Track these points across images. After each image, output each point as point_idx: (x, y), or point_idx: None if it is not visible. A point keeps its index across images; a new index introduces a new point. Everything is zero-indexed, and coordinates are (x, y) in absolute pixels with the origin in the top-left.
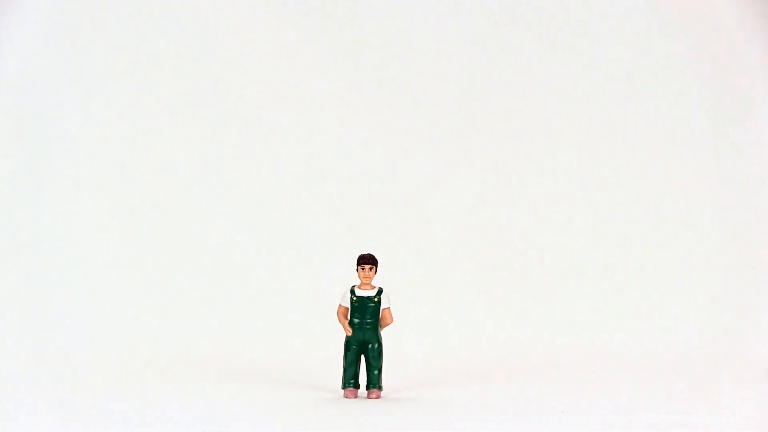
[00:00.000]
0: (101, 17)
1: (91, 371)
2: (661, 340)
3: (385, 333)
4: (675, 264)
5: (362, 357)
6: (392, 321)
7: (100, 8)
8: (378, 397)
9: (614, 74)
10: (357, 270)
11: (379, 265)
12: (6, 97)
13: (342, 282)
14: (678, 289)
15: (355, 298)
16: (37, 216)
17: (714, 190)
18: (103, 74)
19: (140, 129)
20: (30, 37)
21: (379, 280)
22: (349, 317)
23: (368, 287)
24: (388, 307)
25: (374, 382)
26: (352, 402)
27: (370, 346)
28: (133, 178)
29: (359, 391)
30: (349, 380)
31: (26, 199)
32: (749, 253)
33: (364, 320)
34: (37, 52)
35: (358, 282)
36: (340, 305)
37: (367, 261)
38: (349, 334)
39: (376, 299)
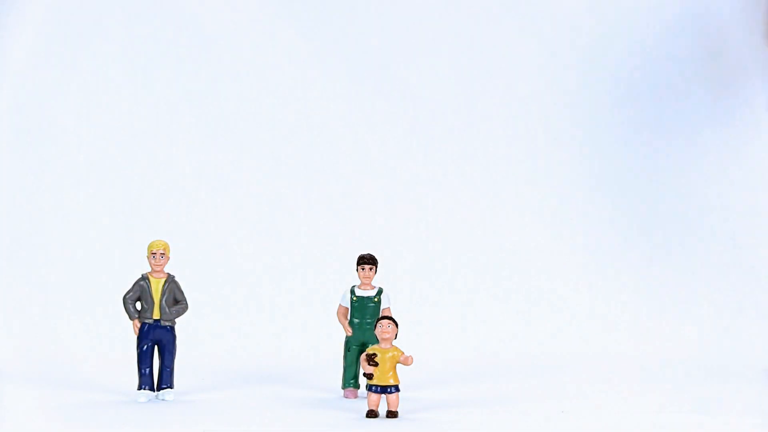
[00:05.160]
0: (101, 16)
1: (90, 370)
2: (660, 340)
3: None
4: (675, 263)
5: None
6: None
7: (100, 7)
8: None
9: (614, 74)
10: (357, 270)
11: (378, 265)
12: (6, 97)
13: (342, 282)
14: (678, 288)
15: (355, 298)
16: (38, 216)
17: (714, 190)
18: (103, 74)
19: (139, 128)
20: (30, 36)
21: (379, 279)
22: (349, 317)
23: (368, 287)
24: (388, 307)
25: None
26: (352, 402)
27: (370, 346)
28: (131, 176)
29: (359, 391)
30: (349, 380)
31: (26, 199)
32: (749, 253)
33: (364, 320)
34: (38, 52)
35: (358, 282)
36: (340, 305)
37: (367, 261)
38: (349, 334)
39: (376, 299)
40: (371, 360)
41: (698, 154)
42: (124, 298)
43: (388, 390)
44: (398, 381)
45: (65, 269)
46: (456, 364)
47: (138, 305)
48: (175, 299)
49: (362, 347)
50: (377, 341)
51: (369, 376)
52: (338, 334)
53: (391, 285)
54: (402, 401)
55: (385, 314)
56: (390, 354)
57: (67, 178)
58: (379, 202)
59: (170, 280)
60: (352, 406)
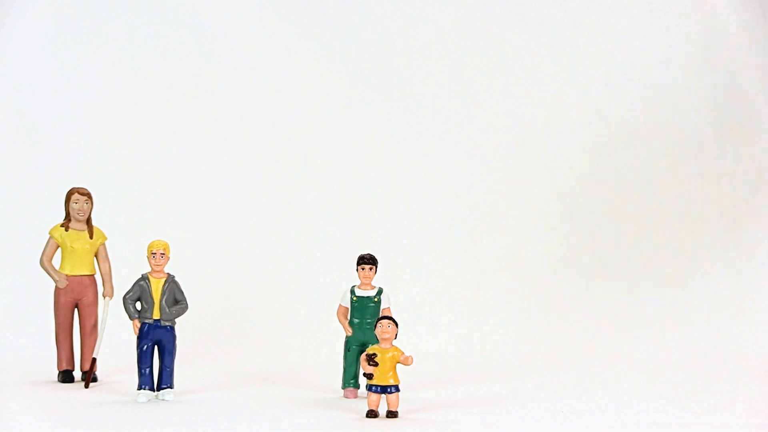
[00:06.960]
0: (102, 17)
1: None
2: (661, 341)
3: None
4: (675, 264)
5: None
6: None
7: (101, 8)
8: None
9: (615, 75)
10: (357, 270)
11: (378, 265)
12: (6, 97)
13: (342, 282)
14: (678, 289)
15: (355, 298)
16: (38, 216)
17: (714, 190)
18: (104, 74)
19: (140, 129)
20: (30, 37)
21: (379, 279)
22: (349, 317)
23: (368, 287)
24: (388, 307)
25: None
26: (352, 402)
27: (370, 346)
28: (131, 176)
29: (359, 391)
30: (349, 380)
31: (26, 199)
32: (749, 253)
33: (364, 320)
34: (38, 53)
35: (358, 282)
36: (340, 305)
37: (367, 261)
38: (349, 334)
39: (376, 299)
40: (371, 360)
41: (698, 153)
42: (124, 297)
43: (388, 390)
44: (398, 381)
45: None
46: (455, 364)
47: (138, 305)
48: (175, 299)
49: (362, 347)
50: (377, 341)
51: (369, 376)
52: (338, 334)
53: (391, 285)
54: (402, 401)
55: (385, 314)
56: (390, 354)
57: (67, 178)
58: (379, 202)
59: (170, 280)
60: (352, 406)
